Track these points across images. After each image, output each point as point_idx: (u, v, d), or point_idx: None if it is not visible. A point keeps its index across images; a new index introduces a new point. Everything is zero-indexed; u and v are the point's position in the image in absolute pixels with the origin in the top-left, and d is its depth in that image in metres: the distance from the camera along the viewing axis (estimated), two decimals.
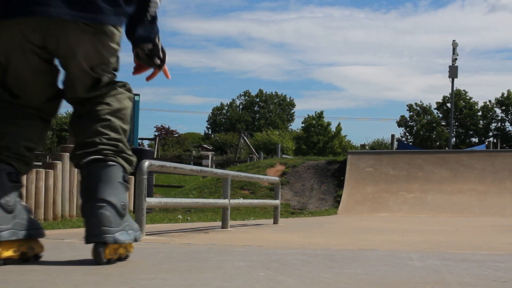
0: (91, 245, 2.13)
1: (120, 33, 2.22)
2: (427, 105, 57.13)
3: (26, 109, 2.22)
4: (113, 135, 2.22)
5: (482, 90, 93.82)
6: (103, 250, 2.10)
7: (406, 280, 1.96)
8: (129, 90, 2.35)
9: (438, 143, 53.87)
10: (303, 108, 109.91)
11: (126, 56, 2.96)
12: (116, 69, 2.30)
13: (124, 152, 2.25)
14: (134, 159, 2.30)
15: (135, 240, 2.25)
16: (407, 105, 57.75)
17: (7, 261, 2.06)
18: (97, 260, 2.11)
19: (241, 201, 6.87)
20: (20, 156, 2.18)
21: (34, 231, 2.17)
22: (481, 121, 56.46)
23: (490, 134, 55.42)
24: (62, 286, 1.69)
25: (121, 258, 2.23)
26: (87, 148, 2.20)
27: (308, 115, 51.77)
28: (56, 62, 2.24)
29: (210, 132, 69.87)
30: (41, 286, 1.67)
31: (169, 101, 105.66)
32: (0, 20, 2.07)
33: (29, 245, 2.16)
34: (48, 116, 2.30)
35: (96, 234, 2.10)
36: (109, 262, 2.14)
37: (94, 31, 2.13)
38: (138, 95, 12.85)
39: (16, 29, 2.07)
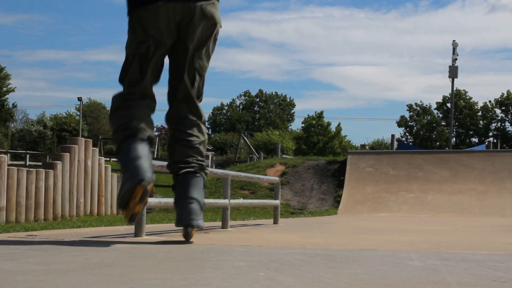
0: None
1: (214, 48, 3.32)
2: (427, 105, 57.15)
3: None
4: (199, 157, 3.30)
5: (483, 90, 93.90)
6: (191, 231, 3.15)
7: (406, 280, 1.95)
8: (205, 123, 3.41)
9: (438, 143, 53.90)
10: (303, 108, 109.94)
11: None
12: (200, 93, 3.31)
13: (205, 169, 3.34)
14: (209, 172, 3.51)
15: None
16: (407, 105, 57.83)
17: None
18: (187, 238, 3.14)
19: (241, 201, 6.87)
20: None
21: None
22: (481, 121, 56.47)
23: (490, 134, 55.43)
24: (62, 286, 1.69)
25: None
26: (183, 164, 3.27)
27: (308, 115, 51.84)
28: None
29: (210, 132, 69.88)
30: (41, 286, 1.67)
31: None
32: (164, 2, 3.04)
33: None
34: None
35: (187, 220, 3.12)
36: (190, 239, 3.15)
37: (211, 16, 3.14)
38: None
39: (173, 8, 3.06)
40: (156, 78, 3.25)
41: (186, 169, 3.25)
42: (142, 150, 3.05)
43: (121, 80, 3.19)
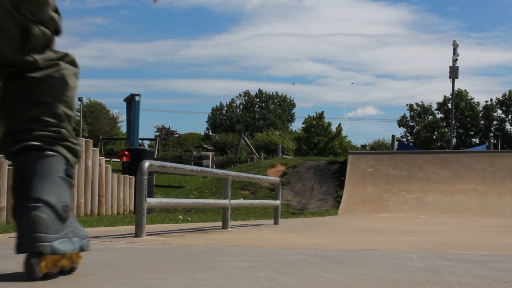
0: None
1: None
2: (427, 105, 57.12)
3: None
4: (54, 122, 1.80)
5: (483, 90, 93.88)
6: (38, 262, 1.68)
7: (406, 280, 1.95)
8: (73, 63, 1.89)
9: (438, 144, 53.86)
10: (303, 108, 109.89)
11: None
12: (57, 31, 1.86)
13: (67, 140, 1.83)
14: (80, 148, 1.88)
15: (82, 249, 1.86)
16: (407, 105, 57.73)
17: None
18: (30, 274, 1.68)
19: (241, 201, 6.86)
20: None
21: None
22: (481, 122, 56.44)
23: (491, 134, 55.40)
24: (63, 286, 1.69)
25: (64, 272, 1.83)
26: (21, 136, 1.77)
27: (308, 115, 51.80)
28: None
29: (210, 132, 69.85)
30: (42, 286, 1.67)
31: (170, 102, 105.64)
32: None
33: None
34: None
35: (29, 242, 1.68)
36: (46, 276, 1.72)
37: None
38: (139, 95, 12.84)
39: None
40: None
41: (25, 143, 1.77)
42: None
43: None
